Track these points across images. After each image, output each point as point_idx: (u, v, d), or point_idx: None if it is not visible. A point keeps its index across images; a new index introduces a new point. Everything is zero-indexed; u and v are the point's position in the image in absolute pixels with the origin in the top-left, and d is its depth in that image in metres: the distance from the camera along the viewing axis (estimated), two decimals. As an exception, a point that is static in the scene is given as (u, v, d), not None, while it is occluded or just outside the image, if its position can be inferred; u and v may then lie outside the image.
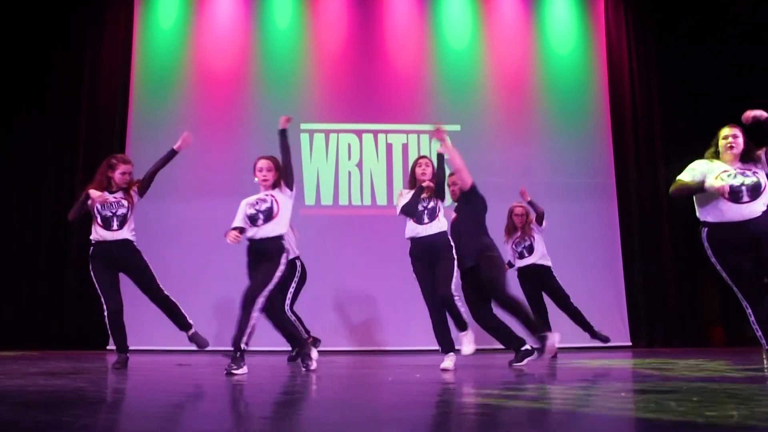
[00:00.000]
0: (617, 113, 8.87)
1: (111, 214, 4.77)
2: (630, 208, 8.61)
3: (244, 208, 4.48)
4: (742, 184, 3.98)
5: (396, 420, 2.24)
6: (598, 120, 8.84)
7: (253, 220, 4.39)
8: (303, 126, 8.49)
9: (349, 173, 8.41)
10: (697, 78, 8.84)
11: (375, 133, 8.52)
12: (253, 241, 4.41)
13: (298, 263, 6.14)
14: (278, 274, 4.28)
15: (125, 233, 4.81)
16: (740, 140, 4.13)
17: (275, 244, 4.37)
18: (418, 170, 4.80)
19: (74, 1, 8.59)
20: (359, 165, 8.44)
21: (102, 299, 4.76)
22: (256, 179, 4.52)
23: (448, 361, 4.61)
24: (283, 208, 4.45)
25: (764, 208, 3.96)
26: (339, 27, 8.82)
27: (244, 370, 4.10)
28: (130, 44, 8.61)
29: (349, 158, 8.46)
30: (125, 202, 4.83)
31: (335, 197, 8.35)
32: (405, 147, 8.50)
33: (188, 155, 8.27)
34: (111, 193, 4.85)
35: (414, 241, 4.71)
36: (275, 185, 4.51)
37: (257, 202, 4.45)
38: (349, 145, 8.49)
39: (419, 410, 2.51)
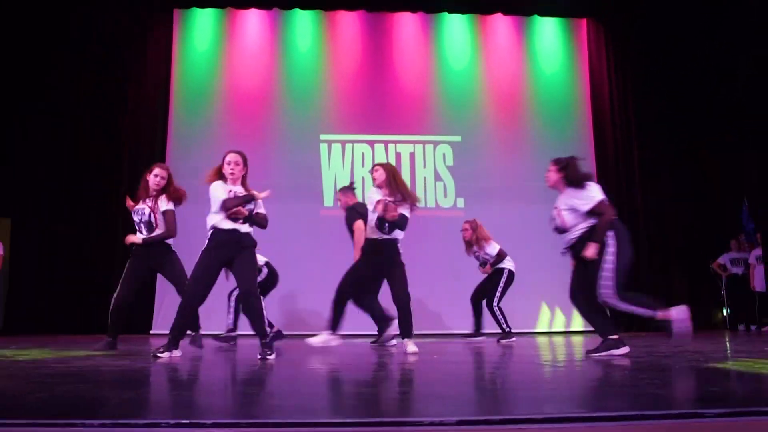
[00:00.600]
0: (598, 123, 8.90)
1: (138, 220, 4.60)
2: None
3: (225, 193, 4.00)
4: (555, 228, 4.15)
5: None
6: (582, 130, 8.87)
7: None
8: (322, 137, 8.52)
9: (363, 179, 8.41)
10: (670, 89, 8.90)
11: (386, 143, 8.54)
12: (225, 231, 3.99)
13: (266, 269, 5.79)
14: (257, 265, 4.12)
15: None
16: (549, 175, 4.24)
17: (251, 238, 4.08)
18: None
19: (119, 28, 8.59)
20: (372, 172, 8.43)
21: (118, 287, 4.58)
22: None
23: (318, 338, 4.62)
24: (258, 208, 4.08)
25: (575, 235, 4.00)
26: (353, 50, 8.83)
27: (274, 355, 3.93)
28: (169, 65, 8.63)
29: (363, 165, 8.47)
30: (147, 210, 4.58)
31: (351, 200, 8.35)
32: (412, 155, 8.52)
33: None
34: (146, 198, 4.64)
35: (370, 241, 4.57)
36: (243, 181, 4.13)
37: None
38: (363, 154, 8.50)
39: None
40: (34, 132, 8.33)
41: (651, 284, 8.53)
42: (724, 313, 8.71)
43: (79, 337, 6.77)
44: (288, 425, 1.65)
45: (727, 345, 5.01)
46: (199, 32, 8.75)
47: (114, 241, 7.99)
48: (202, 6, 8.79)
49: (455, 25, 9.02)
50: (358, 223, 5.41)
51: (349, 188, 5.86)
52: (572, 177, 4.05)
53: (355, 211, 5.56)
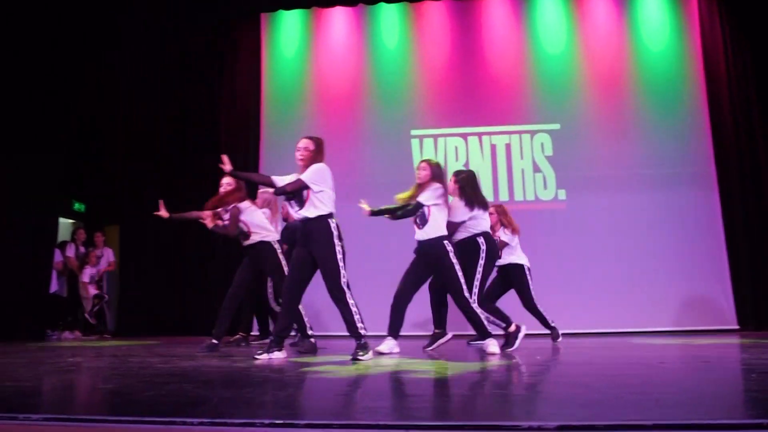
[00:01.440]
0: (715, 103, 8.28)
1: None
2: (732, 194, 8.02)
3: None
4: None
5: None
6: (696, 112, 8.30)
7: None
8: (413, 132, 8.53)
9: (457, 174, 8.34)
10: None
11: (479, 135, 8.42)
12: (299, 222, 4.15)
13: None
14: (339, 257, 3.99)
15: (255, 238, 5.01)
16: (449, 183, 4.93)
17: (317, 228, 4.02)
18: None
19: (210, 35, 9.05)
20: (466, 165, 8.32)
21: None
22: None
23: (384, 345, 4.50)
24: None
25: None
26: (442, 41, 8.78)
27: (369, 355, 3.94)
28: (258, 67, 8.94)
29: (457, 159, 8.40)
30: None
31: (445, 195, 8.32)
32: (508, 147, 8.35)
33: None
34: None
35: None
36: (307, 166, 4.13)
37: None
38: (456, 148, 8.43)
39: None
40: (135, 140, 8.93)
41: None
42: None
43: (183, 339, 7.18)
44: (381, 427, 1.67)
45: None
46: (286, 34, 9.03)
47: (213, 245, 8.40)
48: (288, 8, 9.05)
49: (549, 6, 8.72)
50: None
51: None
52: (463, 189, 4.87)
53: None
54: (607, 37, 8.59)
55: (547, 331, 5.90)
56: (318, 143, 4.20)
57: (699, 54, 8.43)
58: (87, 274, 8.15)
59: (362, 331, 3.97)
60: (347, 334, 4.03)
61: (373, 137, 8.55)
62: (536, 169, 8.27)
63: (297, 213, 4.09)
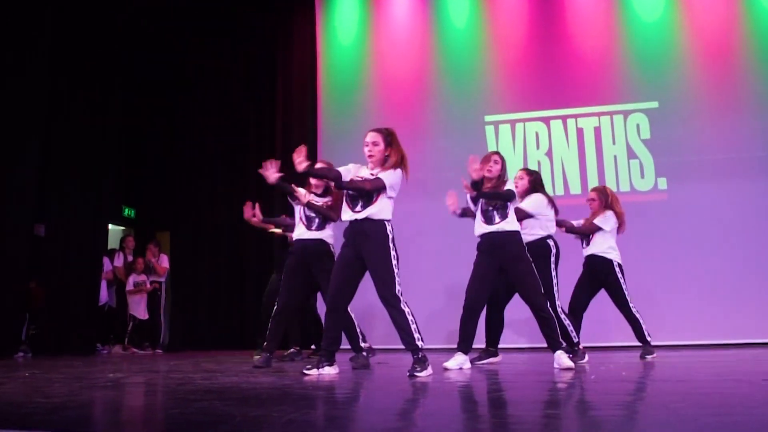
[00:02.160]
0: None
1: (314, 215, 4.95)
2: None
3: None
4: None
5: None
6: (827, 80, 7.79)
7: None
8: (487, 119, 8.44)
9: (539, 163, 8.16)
10: None
11: (563, 118, 8.22)
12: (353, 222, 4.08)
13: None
14: (394, 261, 3.97)
15: (322, 234, 4.95)
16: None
17: (374, 228, 4.03)
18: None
19: (263, 25, 9.29)
20: (549, 153, 8.18)
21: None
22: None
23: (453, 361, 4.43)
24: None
25: None
26: (518, 15, 8.63)
27: (429, 371, 3.86)
28: (314, 57, 9.09)
29: (538, 147, 8.24)
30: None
31: (525, 188, 8.17)
32: (597, 130, 8.11)
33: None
34: (319, 195, 5.06)
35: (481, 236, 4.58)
36: (383, 162, 4.13)
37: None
38: (537, 134, 8.27)
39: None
40: (184, 141, 9.26)
41: None
42: None
43: (238, 353, 7.39)
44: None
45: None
46: (343, 18, 9.10)
47: (270, 249, 8.59)
48: (344, -10, 9.16)
49: (643, -35, 8.44)
50: None
51: None
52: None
53: None
54: (714, -4, 8.20)
55: (638, 343, 5.57)
56: (387, 135, 4.17)
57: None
58: (131, 282, 8.46)
59: (419, 344, 3.92)
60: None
61: (442, 126, 8.51)
62: (631, 155, 8.01)
63: (357, 210, 4.08)
